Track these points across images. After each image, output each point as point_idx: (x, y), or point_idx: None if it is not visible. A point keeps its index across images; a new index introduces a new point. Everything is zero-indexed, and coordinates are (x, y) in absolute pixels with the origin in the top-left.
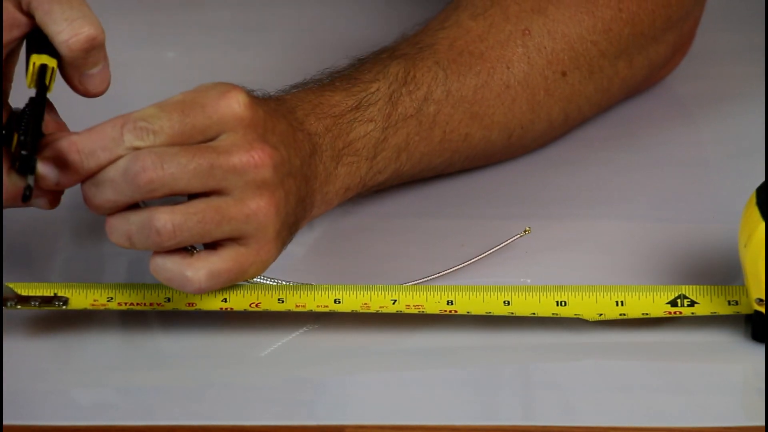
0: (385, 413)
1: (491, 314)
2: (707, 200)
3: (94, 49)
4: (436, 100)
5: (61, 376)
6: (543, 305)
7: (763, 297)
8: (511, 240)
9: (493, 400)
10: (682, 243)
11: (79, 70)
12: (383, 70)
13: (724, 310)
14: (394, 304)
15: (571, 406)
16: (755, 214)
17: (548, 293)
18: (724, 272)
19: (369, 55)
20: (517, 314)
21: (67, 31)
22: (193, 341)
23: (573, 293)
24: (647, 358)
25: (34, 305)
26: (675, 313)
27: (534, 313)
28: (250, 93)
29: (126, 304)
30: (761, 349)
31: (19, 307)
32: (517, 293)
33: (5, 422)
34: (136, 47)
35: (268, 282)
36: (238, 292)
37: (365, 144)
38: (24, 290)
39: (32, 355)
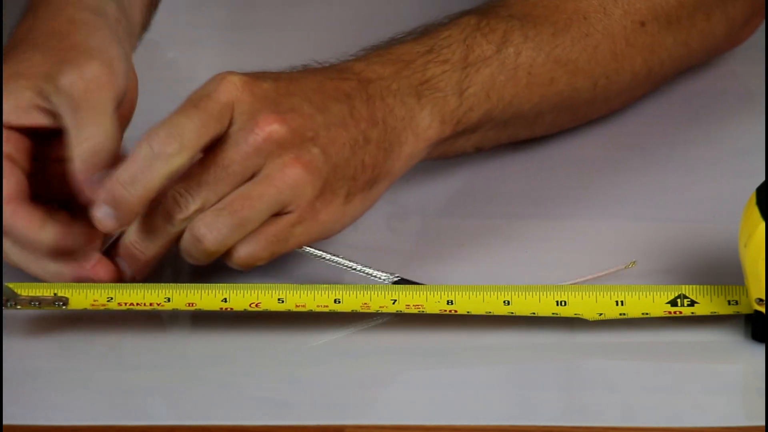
0: (385, 413)
1: (491, 314)
2: (707, 200)
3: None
4: (515, 43)
5: (61, 376)
6: (543, 305)
7: (763, 297)
8: (615, 270)
9: (494, 399)
10: (682, 243)
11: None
12: (455, 21)
13: (724, 309)
14: (394, 303)
15: (571, 406)
16: (755, 214)
17: (548, 293)
18: (724, 272)
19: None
20: (517, 314)
21: (84, 147)
22: (192, 342)
23: (573, 293)
24: (647, 358)
25: (34, 305)
26: (675, 312)
27: (534, 313)
28: (247, 73)
29: (126, 304)
30: (761, 349)
31: (19, 307)
32: (517, 293)
33: (5, 422)
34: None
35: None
36: (238, 291)
37: (446, 81)
38: (24, 290)
39: (32, 355)
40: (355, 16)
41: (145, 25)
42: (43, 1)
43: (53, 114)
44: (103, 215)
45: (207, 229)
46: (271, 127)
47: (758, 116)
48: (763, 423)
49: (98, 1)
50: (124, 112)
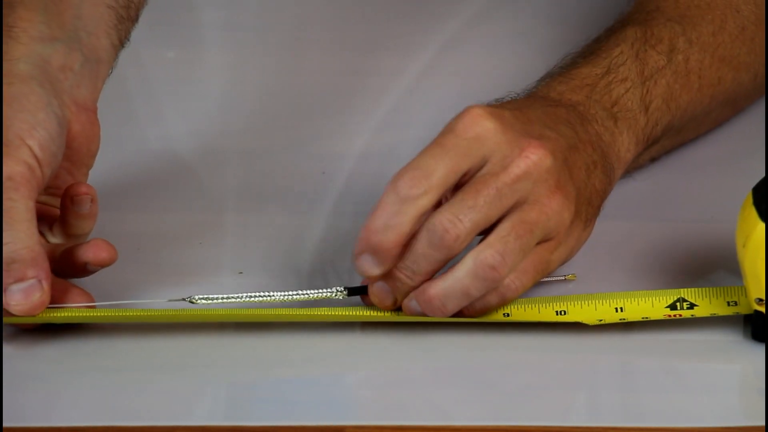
0: (385, 413)
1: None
2: (707, 200)
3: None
4: (682, 50)
5: (61, 377)
6: (543, 315)
7: (763, 297)
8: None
9: (494, 399)
10: (682, 243)
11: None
12: (620, 35)
13: (724, 311)
14: (398, 314)
15: (572, 406)
16: (752, 214)
17: (547, 304)
18: (723, 272)
19: (600, 33)
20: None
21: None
22: (192, 341)
23: (572, 302)
24: (647, 358)
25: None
26: (675, 316)
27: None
28: (485, 106)
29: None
30: (761, 349)
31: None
32: (516, 306)
33: (5, 424)
34: (136, 47)
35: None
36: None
37: (631, 99)
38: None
39: (32, 357)
40: (356, 15)
41: (121, 42)
42: None
43: None
44: (365, 263)
45: (500, 256)
46: (538, 152)
47: (758, 116)
48: (763, 423)
49: (41, 49)
50: (83, 159)
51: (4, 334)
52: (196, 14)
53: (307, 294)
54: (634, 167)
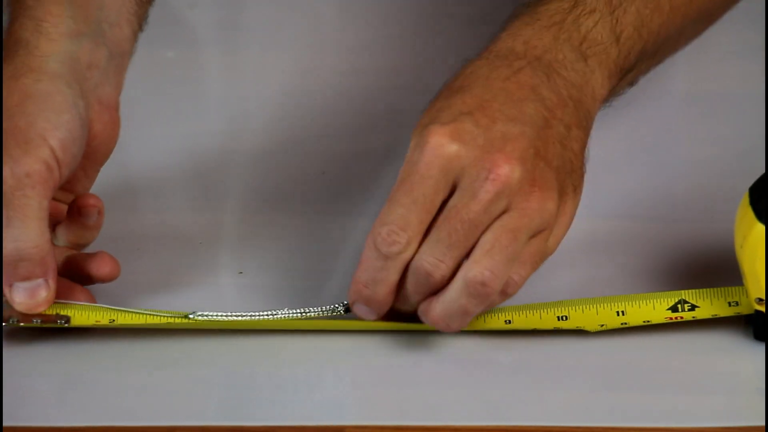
0: (385, 413)
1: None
2: (707, 200)
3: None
4: None
5: (61, 377)
6: (544, 321)
7: (763, 296)
8: None
9: (494, 399)
10: (682, 243)
11: (8, 280)
12: None
13: (725, 311)
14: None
15: (571, 406)
16: (749, 214)
17: (549, 309)
18: (724, 272)
19: None
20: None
21: (9, 248)
22: (192, 342)
23: (573, 307)
24: (647, 358)
25: (36, 323)
26: (676, 318)
27: (536, 329)
28: (443, 122)
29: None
30: (761, 349)
31: (21, 324)
32: (518, 313)
33: (5, 423)
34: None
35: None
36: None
37: (601, 32)
38: None
39: (32, 356)
40: (354, 14)
41: (141, 26)
42: (11, 50)
43: None
44: (360, 311)
45: (488, 271)
46: (503, 169)
47: (758, 116)
48: (763, 423)
49: (69, 46)
50: (100, 157)
51: (4, 334)
52: (195, 14)
53: (307, 312)
54: (613, 97)
